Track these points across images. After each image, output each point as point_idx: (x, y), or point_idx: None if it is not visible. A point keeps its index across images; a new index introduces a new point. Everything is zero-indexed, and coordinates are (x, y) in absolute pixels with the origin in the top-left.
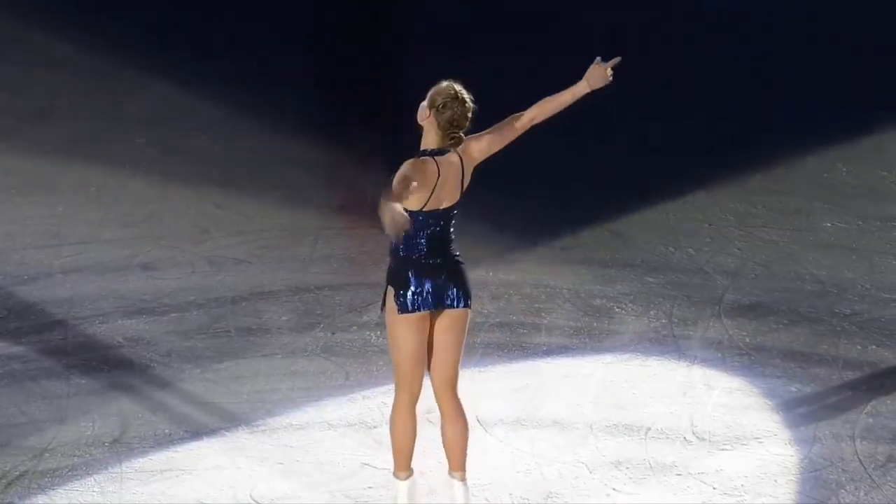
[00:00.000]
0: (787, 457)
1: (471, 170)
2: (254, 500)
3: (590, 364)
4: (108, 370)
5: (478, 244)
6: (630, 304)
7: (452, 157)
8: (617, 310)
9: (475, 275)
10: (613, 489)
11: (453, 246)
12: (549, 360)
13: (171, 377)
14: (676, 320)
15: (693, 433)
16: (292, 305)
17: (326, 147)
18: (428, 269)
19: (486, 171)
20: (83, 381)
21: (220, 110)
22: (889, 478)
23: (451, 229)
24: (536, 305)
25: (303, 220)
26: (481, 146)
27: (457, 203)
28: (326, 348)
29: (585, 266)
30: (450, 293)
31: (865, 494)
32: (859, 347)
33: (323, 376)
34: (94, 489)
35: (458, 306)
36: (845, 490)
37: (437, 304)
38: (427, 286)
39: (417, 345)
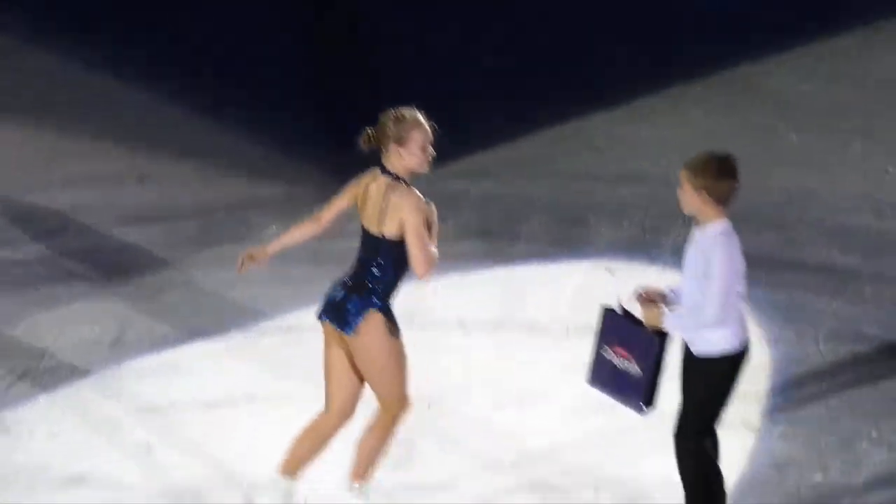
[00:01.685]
0: (755, 356)
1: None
2: (246, 396)
3: (567, 271)
4: (108, 276)
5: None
6: (605, 214)
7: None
8: (592, 219)
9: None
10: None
11: (376, 281)
12: (526, 266)
13: (167, 283)
14: (648, 229)
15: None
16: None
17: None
18: (341, 282)
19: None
20: (83, 287)
21: None
22: (850, 374)
23: (381, 261)
24: (515, 214)
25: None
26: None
27: (381, 235)
28: (314, 256)
29: (562, 177)
30: (341, 313)
31: (827, 387)
32: (823, 254)
33: (309, 283)
34: (94, 387)
35: (340, 328)
36: (808, 385)
37: (329, 317)
38: (331, 295)
39: (328, 357)
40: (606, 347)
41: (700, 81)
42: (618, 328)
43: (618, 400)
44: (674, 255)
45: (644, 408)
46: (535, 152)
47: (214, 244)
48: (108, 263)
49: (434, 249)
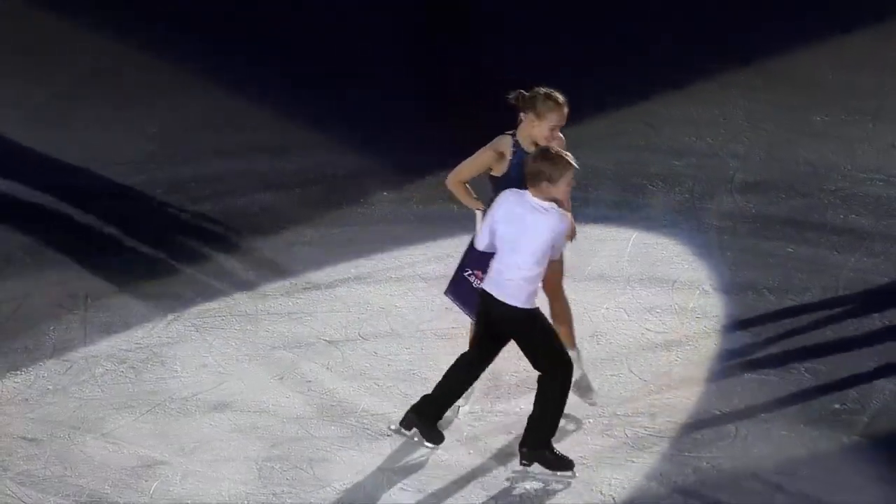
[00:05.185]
0: (778, 302)
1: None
2: (361, 336)
3: (627, 230)
4: (244, 235)
5: None
6: (660, 183)
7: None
8: (650, 187)
9: None
10: (647, 329)
11: None
12: (594, 226)
13: (298, 238)
14: (697, 195)
15: (710, 285)
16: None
17: None
18: None
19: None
20: (221, 245)
21: None
22: (867, 323)
23: None
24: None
25: None
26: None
27: None
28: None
29: (624, 150)
30: None
31: (845, 329)
32: (842, 217)
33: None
34: (236, 327)
35: None
36: (830, 329)
37: None
38: None
39: None
40: (469, 270)
41: (743, 69)
42: (472, 253)
43: (463, 310)
44: (718, 218)
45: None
46: (602, 129)
47: (334, 207)
48: (244, 224)
49: (459, 172)
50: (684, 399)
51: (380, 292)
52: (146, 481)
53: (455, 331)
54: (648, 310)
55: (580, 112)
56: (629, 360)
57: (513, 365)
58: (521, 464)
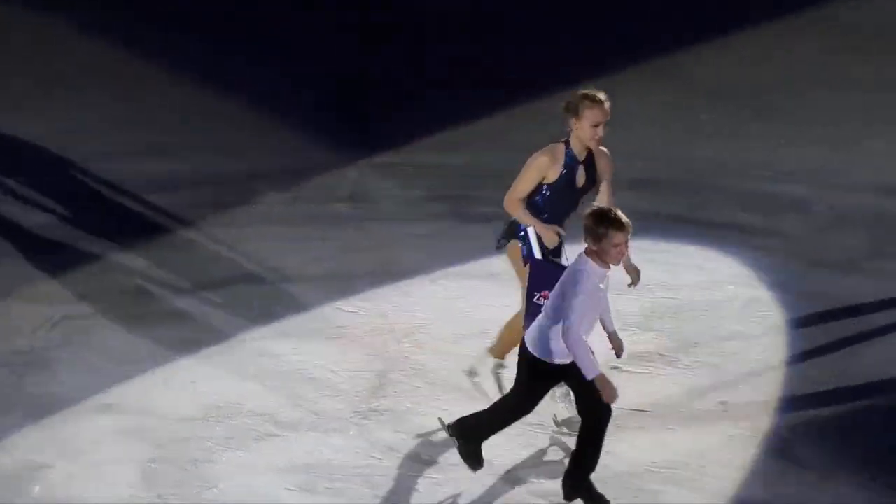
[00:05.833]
0: (658, 297)
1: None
2: (247, 337)
3: None
4: (130, 236)
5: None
6: None
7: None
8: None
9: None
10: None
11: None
12: (475, 225)
13: (179, 241)
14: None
15: None
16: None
17: None
18: None
19: None
20: (110, 245)
21: None
22: (753, 317)
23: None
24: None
25: None
26: None
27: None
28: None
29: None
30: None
31: (731, 323)
32: (728, 213)
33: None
34: (121, 329)
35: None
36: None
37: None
38: None
39: None
40: (539, 296)
41: (632, 68)
42: (544, 272)
43: None
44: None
45: None
46: (495, 126)
47: (223, 208)
48: (131, 226)
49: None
50: None
51: (267, 293)
52: (29, 485)
53: (342, 331)
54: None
55: (471, 113)
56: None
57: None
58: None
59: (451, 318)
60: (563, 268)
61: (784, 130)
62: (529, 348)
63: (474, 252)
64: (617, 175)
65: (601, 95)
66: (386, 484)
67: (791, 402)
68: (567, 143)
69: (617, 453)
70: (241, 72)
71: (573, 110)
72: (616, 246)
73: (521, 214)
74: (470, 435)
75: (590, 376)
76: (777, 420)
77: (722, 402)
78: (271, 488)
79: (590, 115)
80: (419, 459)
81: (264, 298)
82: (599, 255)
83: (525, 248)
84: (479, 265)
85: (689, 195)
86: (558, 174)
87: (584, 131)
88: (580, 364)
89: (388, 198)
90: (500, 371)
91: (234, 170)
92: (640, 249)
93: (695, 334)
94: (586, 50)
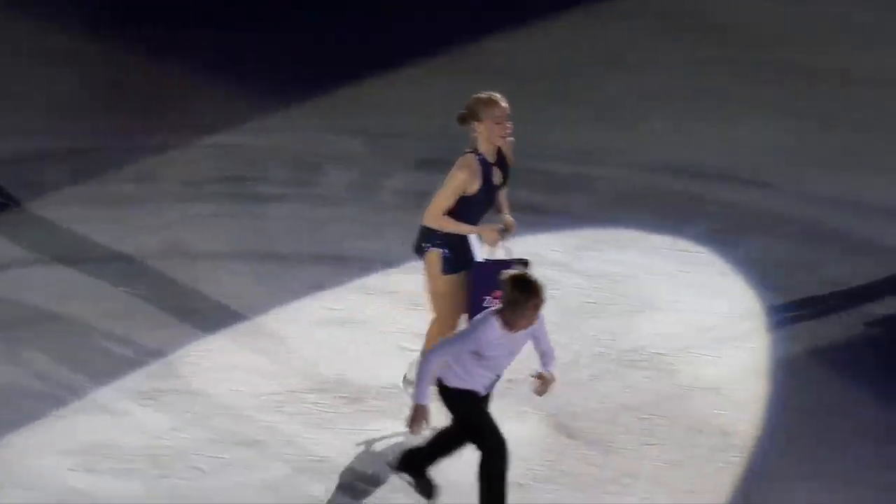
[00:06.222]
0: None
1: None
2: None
3: (301, 206)
4: None
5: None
6: (336, 161)
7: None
8: (325, 165)
9: None
10: (323, 306)
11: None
12: (268, 205)
13: None
14: (379, 174)
15: (383, 262)
16: None
17: None
18: None
19: None
20: None
21: None
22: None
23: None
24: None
25: None
26: None
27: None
28: None
29: (301, 131)
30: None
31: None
32: (525, 194)
33: None
34: None
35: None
36: None
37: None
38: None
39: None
40: (486, 298)
41: (441, 56)
42: (490, 273)
43: None
44: (392, 196)
45: None
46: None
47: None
48: None
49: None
50: (360, 376)
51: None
52: None
53: (129, 311)
54: (320, 286)
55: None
56: (305, 338)
57: None
58: None
59: (237, 297)
60: (507, 262)
61: (583, 114)
62: (446, 383)
63: (258, 232)
64: (407, 155)
65: (495, 95)
66: (171, 464)
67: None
68: (476, 150)
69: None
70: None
71: (473, 116)
72: (525, 318)
73: (452, 227)
74: (414, 467)
75: (418, 400)
76: None
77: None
78: (54, 470)
79: (491, 114)
80: (207, 439)
81: (47, 280)
82: (507, 318)
83: (446, 254)
84: (263, 244)
85: None
86: (479, 186)
87: (491, 131)
88: (417, 384)
89: (173, 179)
90: None
91: (21, 150)
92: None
93: None
94: (381, 41)
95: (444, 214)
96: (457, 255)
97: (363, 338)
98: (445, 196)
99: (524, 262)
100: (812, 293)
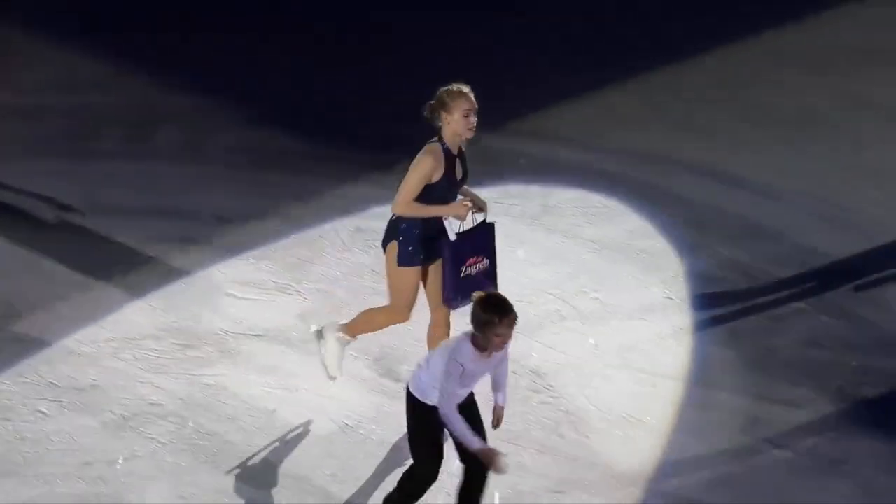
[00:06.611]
0: (282, 230)
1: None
2: None
3: (136, 164)
4: None
5: None
6: (171, 120)
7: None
8: (162, 124)
9: None
10: (160, 260)
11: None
12: (104, 161)
13: None
14: (205, 131)
15: (214, 215)
16: None
17: None
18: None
19: None
20: None
21: None
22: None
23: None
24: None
25: None
26: None
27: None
28: None
29: (135, 89)
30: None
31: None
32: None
33: None
34: None
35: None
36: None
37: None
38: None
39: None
40: (464, 267)
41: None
42: (463, 245)
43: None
44: (225, 152)
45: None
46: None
47: None
48: None
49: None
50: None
51: None
52: None
53: None
54: (159, 240)
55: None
56: (138, 287)
57: None
58: None
59: (77, 251)
60: (481, 230)
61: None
62: (411, 389)
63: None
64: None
65: (464, 87)
66: (14, 407)
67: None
68: (440, 139)
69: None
70: None
71: (441, 106)
72: (499, 336)
73: (422, 212)
74: None
75: (473, 447)
76: None
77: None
78: None
79: (458, 106)
80: (47, 384)
81: None
82: (480, 340)
83: (403, 246)
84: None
85: (296, 131)
86: (442, 173)
87: (458, 123)
88: (461, 440)
89: (13, 138)
90: (336, 338)
91: None
92: (255, 183)
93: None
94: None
95: (412, 202)
96: (415, 249)
97: (194, 286)
98: (413, 182)
99: (488, 225)
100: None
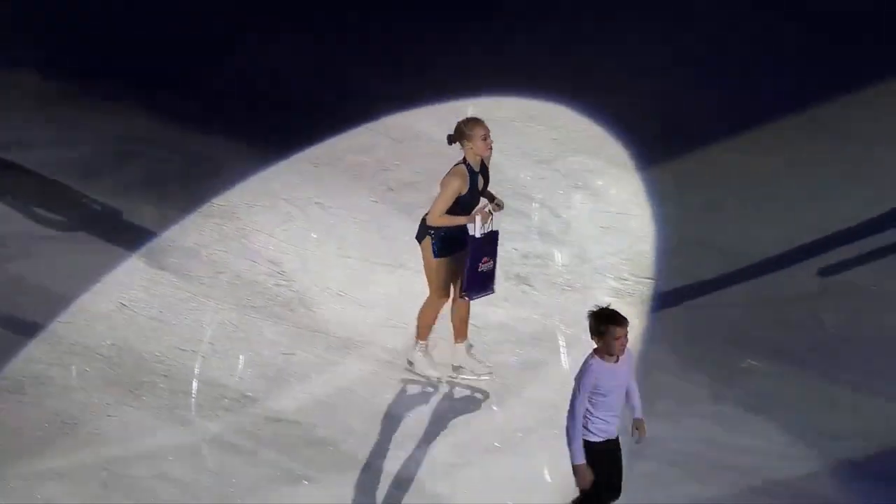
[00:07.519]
0: (159, 221)
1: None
2: None
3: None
4: None
5: None
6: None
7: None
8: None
9: None
10: None
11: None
12: None
13: None
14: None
15: None
16: None
17: None
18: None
19: None
20: None
21: None
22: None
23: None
24: None
25: None
26: None
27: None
28: None
29: None
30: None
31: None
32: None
33: None
34: None
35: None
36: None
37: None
38: None
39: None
40: (479, 263)
41: None
42: (480, 246)
43: (483, 296)
44: None
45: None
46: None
47: None
48: None
49: (439, 210)
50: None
51: None
52: None
53: None
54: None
55: None
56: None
57: None
58: None
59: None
60: (492, 235)
61: None
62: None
63: None
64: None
65: (477, 117)
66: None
67: None
68: (464, 161)
69: None
70: None
71: (461, 136)
72: (617, 339)
73: (450, 222)
74: None
75: (573, 461)
76: None
77: None
78: None
79: (476, 133)
80: None
81: None
82: (603, 350)
83: (436, 242)
84: None
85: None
86: (467, 189)
87: (478, 146)
88: (569, 448)
89: None
90: (471, 348)
91: None
92: None
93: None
94: None
95: (444, 215)
96: (444, 244)
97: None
98: (444, 200)
99: (495, 232)
100: None
